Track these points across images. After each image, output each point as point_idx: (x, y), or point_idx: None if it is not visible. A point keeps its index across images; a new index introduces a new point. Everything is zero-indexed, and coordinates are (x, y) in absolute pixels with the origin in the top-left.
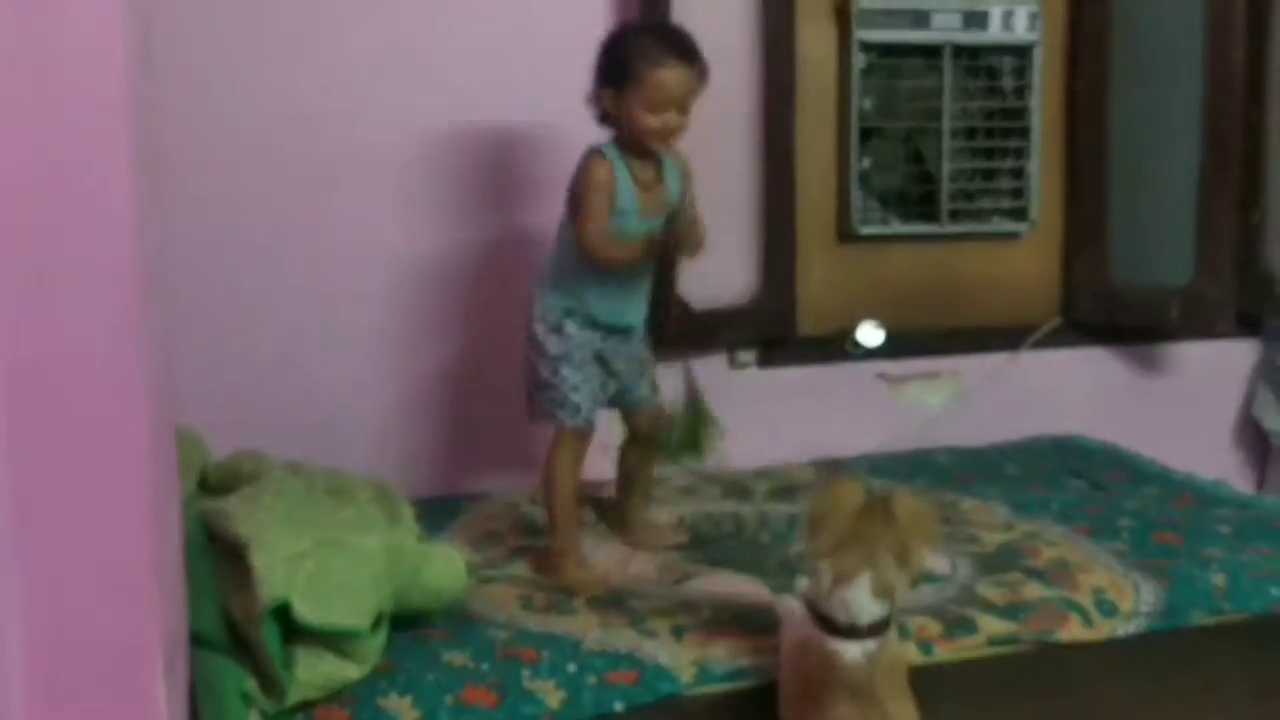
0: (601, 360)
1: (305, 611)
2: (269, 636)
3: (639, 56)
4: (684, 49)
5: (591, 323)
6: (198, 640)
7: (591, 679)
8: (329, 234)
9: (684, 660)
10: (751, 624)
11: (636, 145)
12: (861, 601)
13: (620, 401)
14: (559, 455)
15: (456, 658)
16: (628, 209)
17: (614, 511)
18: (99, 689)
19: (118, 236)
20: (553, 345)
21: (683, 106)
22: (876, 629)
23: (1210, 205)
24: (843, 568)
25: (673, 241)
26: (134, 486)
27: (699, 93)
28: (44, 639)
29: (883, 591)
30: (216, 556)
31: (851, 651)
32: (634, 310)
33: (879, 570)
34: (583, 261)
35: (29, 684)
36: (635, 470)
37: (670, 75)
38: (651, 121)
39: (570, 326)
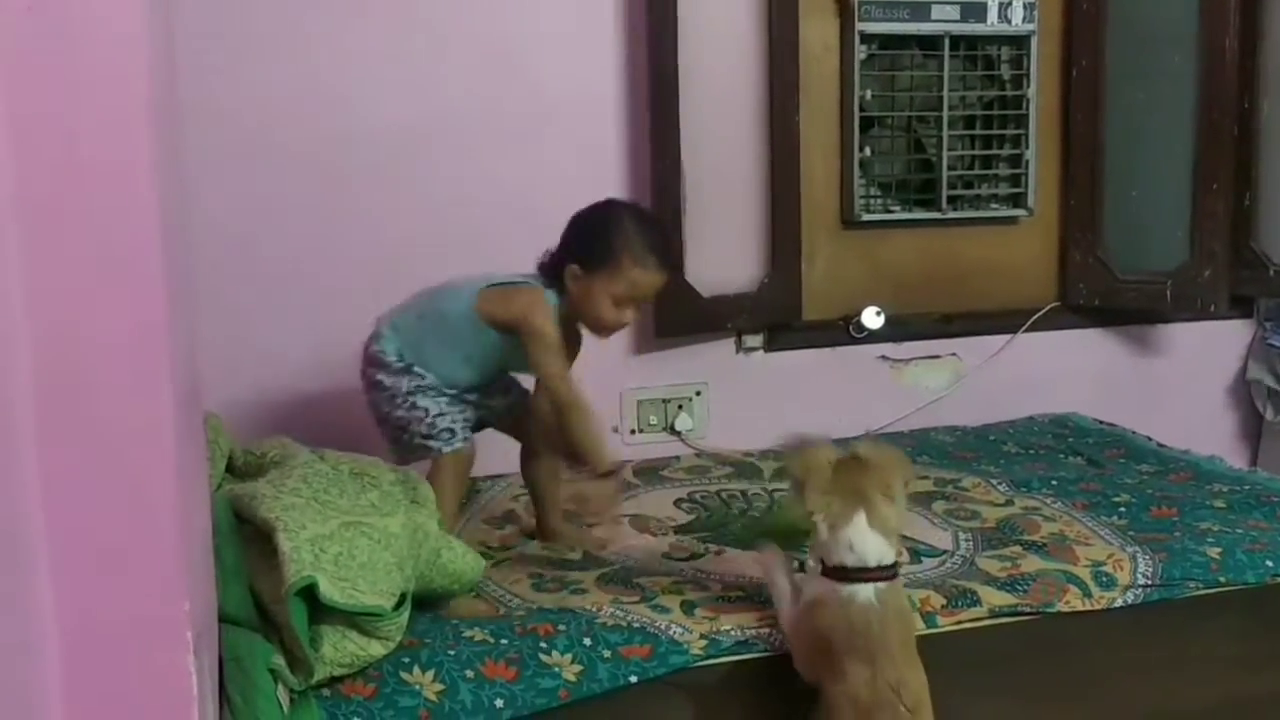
0: (452, 385)
1: (331, 592)
2: (296, 616)
3: (626, 252)
4: (669, 257)
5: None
6: (227, 620)
7: (606, 653)
8: (347, 225)
9: (694, 634)
10: (759, 598)
11: (575, 317)
12: (863, 536)
13: (493, 420)
14: (442, 480)
15: (476, 633)
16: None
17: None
18: (130, 666)
19: (144, 231)
20: (404, 384)
21: (640, 307)
22: (886, 571)
23: (1203, 189)
24: (837, 511)
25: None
26: (163, 470)
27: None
28: (76, 618)
29: (879, 523)
30: (244, 539)
31: (864, 592)
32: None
33: (871, 504)
34: (471, 360)
35: (62, 661)
36: (543, 482)
37: (651, 281)
38: (609, 314)
39: (418, 367)
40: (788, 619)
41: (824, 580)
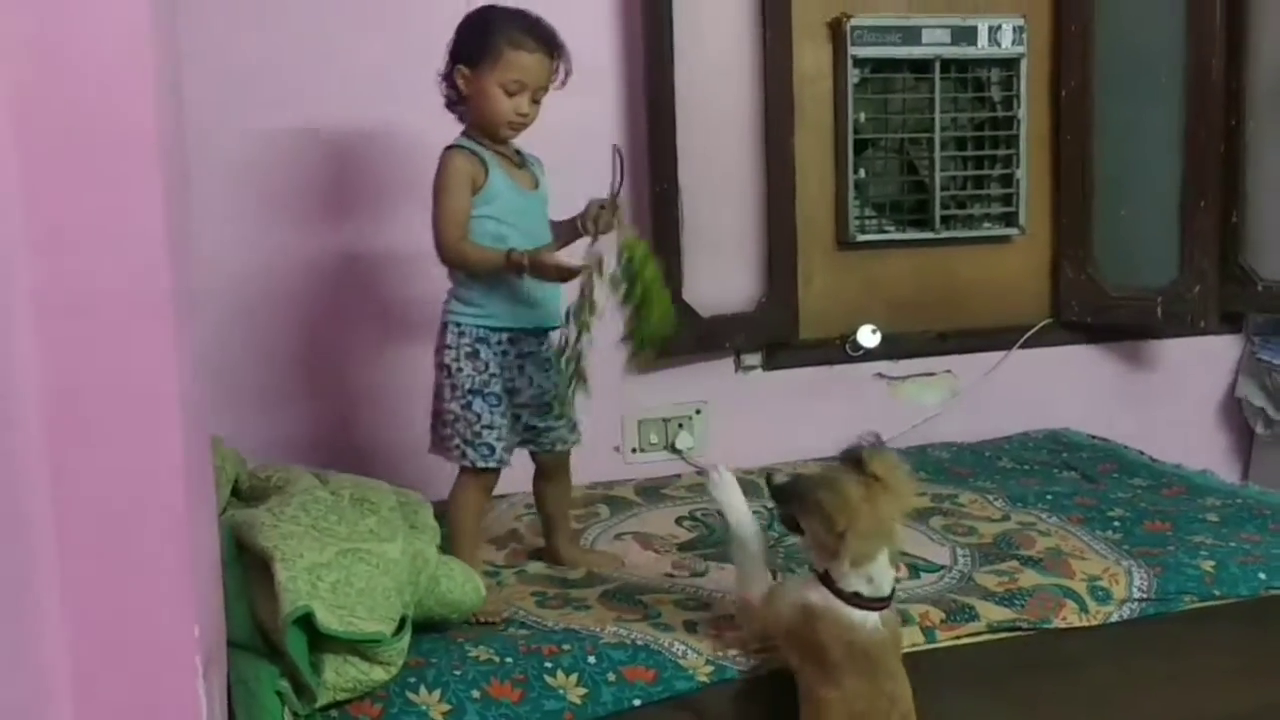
0: (510, 393)
1: (329, 620)
2: (294, 645)
3: (501, 35)
4: (547, 36)
5: (507, 334)
6: (233, 644)
7: (611, 676)
8: (351, 250)
9: (700, 658)
10: None
11: (489, 133)
12: (884, 571)
13: (533, 440)
14: (467, 494)
15: (481, 653)
16: (501, 188)
17: (547, 550)
18: (140, 690)
19: (152, 255)
20: (466, 376)
21: (536, 95)
22: (890, 597)
23: (1192, 207)
24: (864, 551)
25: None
26: (172, 495)
27: (555, 84)
28: (87, 643)
29: (896, 558)
30: (246, 565)
31: (872, 620)
32: (552, 309)
33: (894, 539)
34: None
35: (72, 685)
36: (554, 508)
37: (530, 60)
38: (504, 105)
39: (486, 352)
40: (758, 606)
41: (826, 593)
